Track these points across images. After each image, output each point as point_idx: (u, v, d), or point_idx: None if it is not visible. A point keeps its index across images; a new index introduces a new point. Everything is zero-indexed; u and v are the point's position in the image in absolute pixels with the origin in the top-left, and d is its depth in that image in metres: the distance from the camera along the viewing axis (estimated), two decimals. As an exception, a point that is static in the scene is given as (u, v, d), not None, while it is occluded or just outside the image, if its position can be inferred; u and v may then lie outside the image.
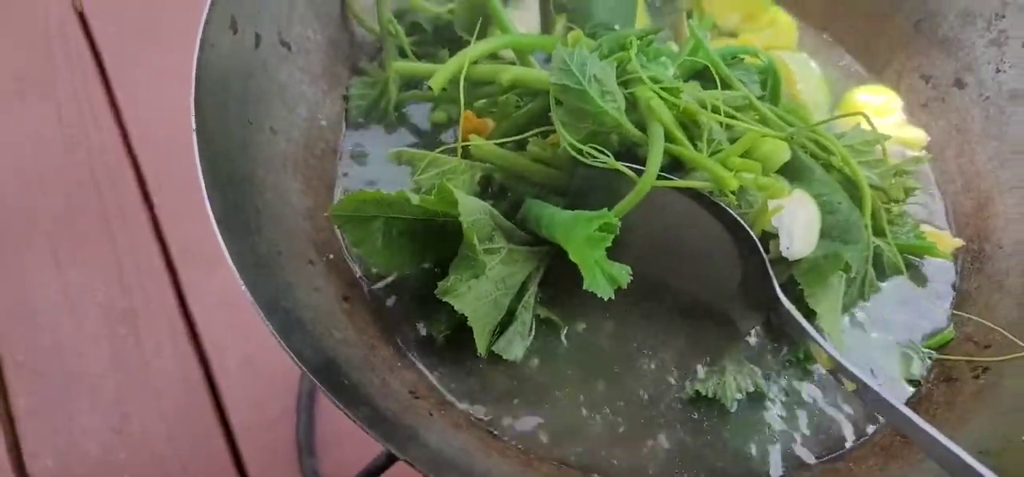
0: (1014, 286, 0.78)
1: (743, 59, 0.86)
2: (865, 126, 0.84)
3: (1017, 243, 0.80)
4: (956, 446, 0.59)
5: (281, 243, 0.72)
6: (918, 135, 0.90)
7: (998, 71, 0.88)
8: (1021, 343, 0.73)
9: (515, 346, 0.74)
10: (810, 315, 0.73)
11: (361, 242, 0.72)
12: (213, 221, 0.62)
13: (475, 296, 0.71)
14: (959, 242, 0.83)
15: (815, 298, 0.75)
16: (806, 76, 0.96)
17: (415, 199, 0.70)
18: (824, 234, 0.75)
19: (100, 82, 1.22)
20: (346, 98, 0.87)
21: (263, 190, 0.73)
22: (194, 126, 0.66)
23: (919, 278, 0.81)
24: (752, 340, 0.76)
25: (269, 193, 0.74)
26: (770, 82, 0.83)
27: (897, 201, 0.82)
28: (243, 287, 0.61)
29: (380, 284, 0.76)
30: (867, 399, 0.66)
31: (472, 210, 0.71)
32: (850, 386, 0.67)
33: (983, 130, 0.88)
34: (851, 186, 0.78)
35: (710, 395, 0.73)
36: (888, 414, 0.65)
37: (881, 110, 0.93)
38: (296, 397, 1.07)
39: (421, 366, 0.73)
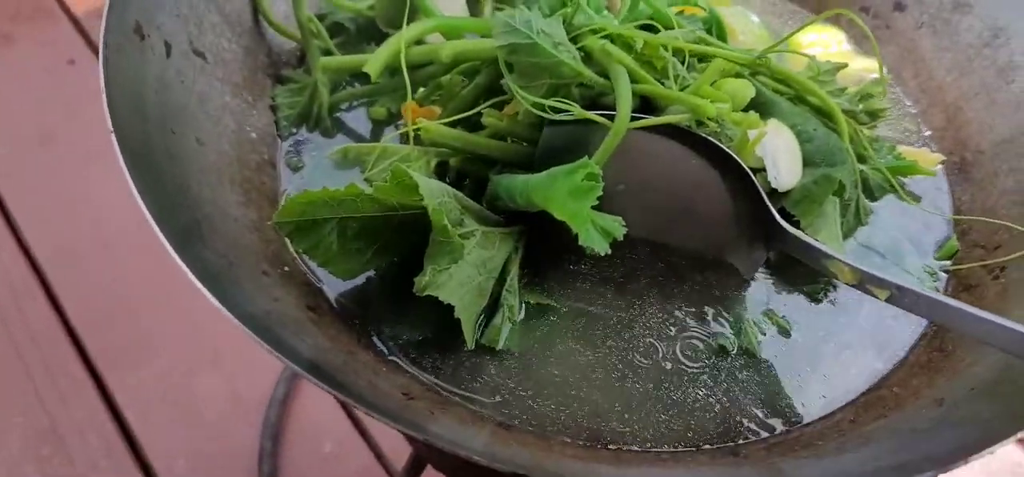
0: (1006, 184, 0.75)
1: (683, 12, 0.82)
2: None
3: (997, 144, 0.78)
4: (1015, 323, 0.55)
5: (230, 253, 0.62)
6: (870, 64, 0.88)
7: (936, -13, 0.87)
8: (1030, 234, 0.70)
9: (505, 333, 0.66)
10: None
11: (313, 249, 0.63)
12: (156, 228, 0.53)
13: (458, 283, 0.63)
14: (939, 157, 0.80)
15: (813, 227, 0.70)
16: (746, 28, 0.93)
17: (368, 190, 0.62)
18: (807, 162, 0.71)
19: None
20: (273, 108, 0.78)
21: (201, 202, 0.64)
22: (111, 127, 0.57)
23: (912, 197, 0.77)
24: (760, 281, 0.71)
25: (208, 206, 0.65)
26: (715, 30, 0.80)
27: (867, 124, 0.78)
28: (206, 292, 0.51)
29: (344, 290, 0.67)
30: (904, 302, 0.60)
31: (435, 192, 0.63)
32: (882, 295, 0.61)
33: (934, 45, 0.86)
34: (821, 115, 0.75)
35: (733, 347, 0.66)
36: (931, 311, 0.60)
37: (826, 46, 0.90)
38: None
39: (409, 368, 0.64)
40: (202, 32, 0.74)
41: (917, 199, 0.77)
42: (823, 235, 0.70)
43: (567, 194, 0.62)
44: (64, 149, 1.14)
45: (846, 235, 0.74)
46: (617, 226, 0.61)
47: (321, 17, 0.83)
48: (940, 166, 0.80)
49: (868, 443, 0.59)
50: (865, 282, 0.62)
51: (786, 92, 0.75)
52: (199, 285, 0.52)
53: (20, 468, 0.93)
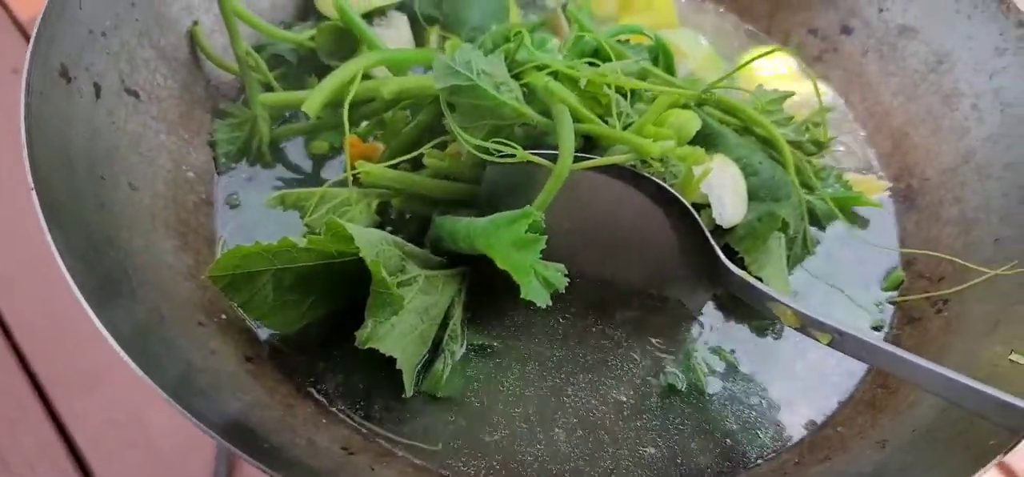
0: (950, 214, 0.76)
1: (629, 40, 0.81)
2: (767, 86, 0.80)
3: (942, 172, 0.78)
4: (950, 371, 0.55)
5: (162, 306, 0.60)
6: (820, 87, 0.88)
7: (881, 10, 0.87)
8: (971, 265, 0.70)
9: (448, 380, 0.65)
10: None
11: (248, 303, 0.61)
12: (74, 289, 0.51)
13: (399, 333, 0.62)
14: (885, 184, 0.80)
15: (758, 264, 0.70)
16: (695, 51, 0.92)
17: (302, 243, 0.60)
18: (752, 196, 0.70)
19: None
20: (212, 144, 0.76)
21: (132, 252, 0.62)
22: (32, 184, 0.55)
23: (860, 223, 0.77)
24: (709, 315, 0.70)
25: (140, 255, 0.63)
26: (662, 58, 0.79)
27: (815, 154, 0.78)
28: (122, 354, 0.49)
29: (283, 337, 0.66)
30: (845, 348, 0.60)
31: (373, 243, 0.61)
32: (824, 339, 0.61)
33: (881, 69, 0.86)
34: (767, 146, 0.74)
35: (682, 386, 0.66)
36: (871, 357, 0.60)
37: (776, 70, 0.90)
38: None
39: (350, 419, 0.62)
40: (135, 69, 0.71)
41: (865, 224, 0.77)
42: (768, 271, 0.69)
43: (510, 244, 0.61)
44: (6, 169, 1.10)
45: (793, 265, 0.74)
46: (560, 277, 0.60)
47: (260, 48, 0.81)
48: (887, 193, 0.80)
49: (812, 490, 0.59)
50: (807, 326, 0.62)
51: (732, 123, 0.75)
52: (117, 348, 0.50)
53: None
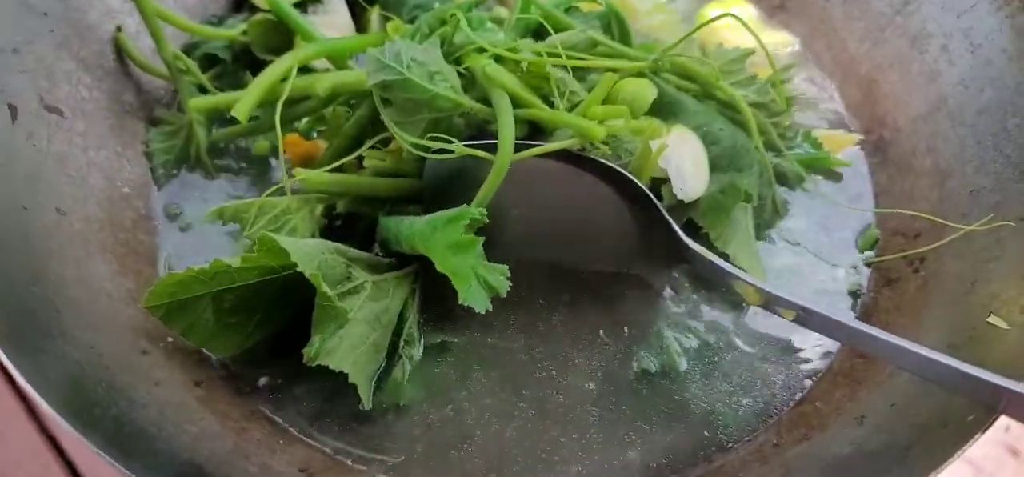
0: (923, 165, 0.72)
1: (579, 8, 0.77)
2: (727, 43, 0.77)
3: (913, 120, 0.75)
4: (913, 344, 0.52)
5: (99, 341, 0.57)
6: (783, 37, 0.84)
7: (844, -49, 0.83)
8: (947, 222, 0.67)
9: (408, 386, 0.62)
10: (722, 257, 0.64)
11: (189, 330, 0.59)
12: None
13: (350, 346, 0.59)
14: (854, 137, 0.77)
15: (723, 238, 0.67)
16: (649, 7, 0.88)
17: (236, 262, 0.57)
18: (714, 167, 0.67)
19: None
20: (148, 155, 0.72)
21: (63, 285, 0.59)
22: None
23: (834, 178, 0.74)
24: (680, 293, 0.68)
25: (72, 287, 0.59)
26: (615, 25, 0.74)
27: (780, 114, 0.74)
28: (51, 411, 0.46)
29: (233, 357, 0.62)
30: (812, 324, 0.58)
31: (311, 255, 0.58)
32: (789, 316, 0.58)
33: (845, 14, 0.82)
34: (729, 110, 0.71)
35: (655, 369, 0.63)
36: (836, 333, 0.58)
37: (735, 23, 0.86)
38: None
39: (308, 438, 0.60)
40: (54, 84, 0.67)
41: (838, 179, 0.74)
42: (734, 246, 0.66)
43: (447, 247, 0.58)
44: None
45: (763, 231, 0.71)
46: (502, 280, 0.57)
47: (193, 48, 0.76)
48: (858, 147, 0.77)
49: (789, 474, 0.57)
50: (771, 303, 0.59)
51: (691, 88, 0.71)
52: (44, 405, 0.47)
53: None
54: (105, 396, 0.53)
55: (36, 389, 0.48)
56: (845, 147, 0.76)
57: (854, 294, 0.68)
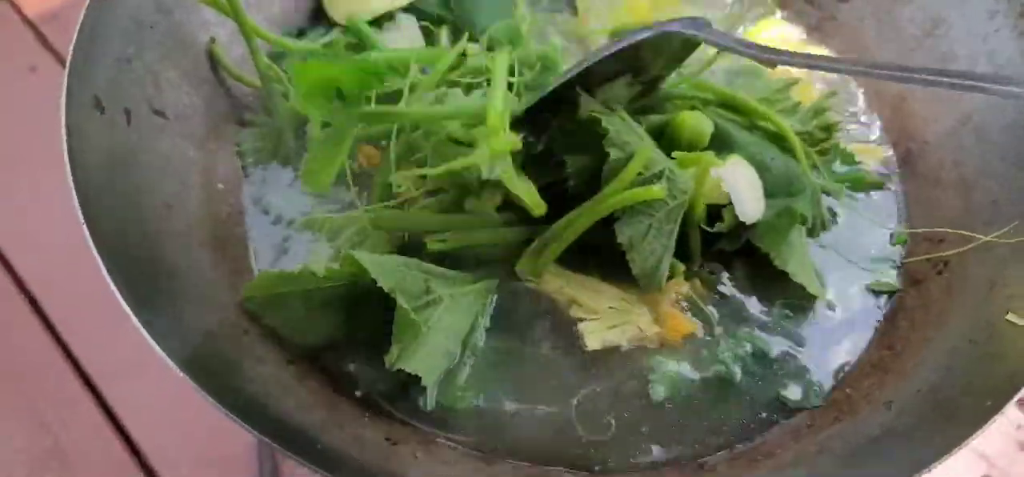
0: (949, 178, 0.78)
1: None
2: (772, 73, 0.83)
3: (941, 136, 0.81)
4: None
5: (209, 322, 0.64)
6: (822, 52, 0.90)
7: (878, -23, 0.89)
8: (969, 233, 0.73)
9: (465, 391, 0.68)
10: (782, 275, 0.71)
11: (281, 323, 0.66)
12: (139, 326, 0.55)
13: (426, 353, 0.65)
14: (884, 151, 0.83)
15: (782, 257, 0.72)
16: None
17: (321, 271, 0.63)
18: (768, 193, 0.72)
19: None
20: (239, 154, 0.80)
21: (175, 272, 0.66)
22: (82, 219, 0.58)
23: (876, 182, 0.81)
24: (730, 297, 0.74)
25: (183, 276, 0.67)
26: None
27: (823, 141, 0.80)
28: (196, 388, 0.54)
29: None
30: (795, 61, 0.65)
31: (391, 272, 0.64)
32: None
33: (878, 35, 0.88)
34: (776, 139, 0.76)
35: (714, 375, 0.70)
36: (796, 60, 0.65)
37: (783, 43, 0.92)
38: None
39: (391, 412, 0.67)
40: (160, 91, 0.75)
41: (879, 185, 0.81)
42: (793, 264, 0.72)
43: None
44: (38, 161, 1.12)
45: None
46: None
47: (278, 58, 0.83)
48: (891, 154, 0.83)
49: (822, 452, 0.63)
50: (773, 60, 0.65)
51: (742, 121, 0.77)
52: (192, 384, 0.54)
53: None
54: (222, 369, 0.61)
55: (181, 367, 0.54)
56: (875, 159, 0.82)
57: (882, 292, 0.75)
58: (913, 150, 0.82)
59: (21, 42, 1.27)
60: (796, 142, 0.74)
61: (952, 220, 0.75)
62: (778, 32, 0.92)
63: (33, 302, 1.04)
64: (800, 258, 0.72)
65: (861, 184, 0.80)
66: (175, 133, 0.75)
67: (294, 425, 0.60)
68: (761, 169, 0.72)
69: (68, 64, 0.65)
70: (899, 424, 0.62)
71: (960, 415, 0.59)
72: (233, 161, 0.80)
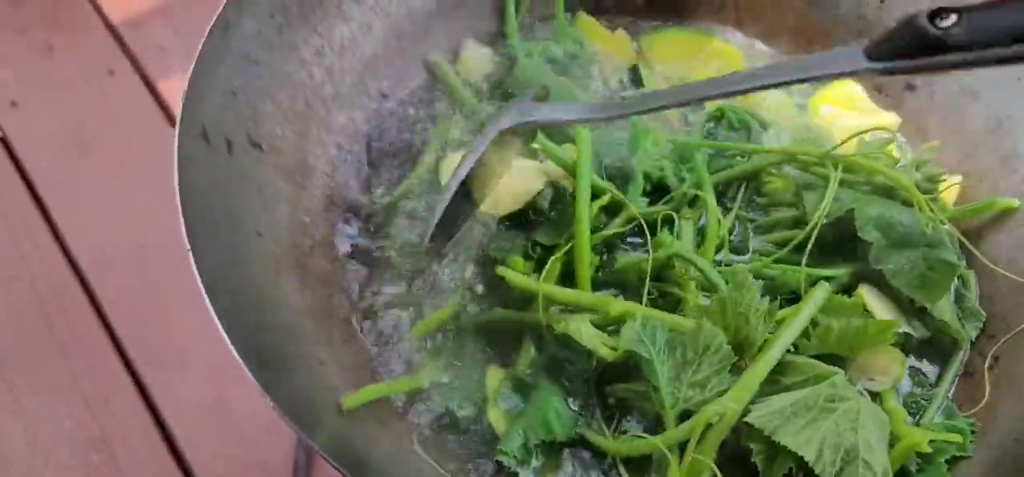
0: (1006, 270, 0.80)
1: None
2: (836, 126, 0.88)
3: (999, 231, 0.83)
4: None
5: (290, 349, 0.69)
6: (891, 119, 0.93)
7: (947, 71, 0.91)
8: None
9: None
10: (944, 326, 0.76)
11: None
12: (232, 349, 0.59)
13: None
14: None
15: (938, 308, 0.76)
16: (767, 98, 0.97)
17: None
18: (905, 244, 0.74)
19: (36, 208, 1.16)
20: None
21: (263, 303, 0.70)
22: (189, 247, 0.63)
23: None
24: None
25: (270, 304, 0.71)
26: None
27: (931, 191, 0.82)
28: (272, 406, 0.57)
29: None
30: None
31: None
32: None
33: (942, 127, 0.91)
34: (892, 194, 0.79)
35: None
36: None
37: (851, 103, 0.94)
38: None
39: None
40: (258, 124, 0.79)
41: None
42: (940, 306, 0.75)
43: None
44: (102, 158, 1.19)
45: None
46: None
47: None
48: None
49: None
50: None
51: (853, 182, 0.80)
52: (288, 422, 0.58)
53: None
54: (297, 397, 0.65)
55: (278, 406, 0.58)
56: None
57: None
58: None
59: (103, 46, 1.34)
60: (920, 197, 0.75)
61: (1008, 311, 0.78)
62: (845, 92, 0.95)
63: (87, 288, 1.08)
64: (947, 303, 0.77)
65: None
66: (268, 164, 0.80)
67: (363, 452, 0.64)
68: (894, 223, 0.74)
69: (184, 94, 0.69)
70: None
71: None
72: (317, 196, 0.84)
